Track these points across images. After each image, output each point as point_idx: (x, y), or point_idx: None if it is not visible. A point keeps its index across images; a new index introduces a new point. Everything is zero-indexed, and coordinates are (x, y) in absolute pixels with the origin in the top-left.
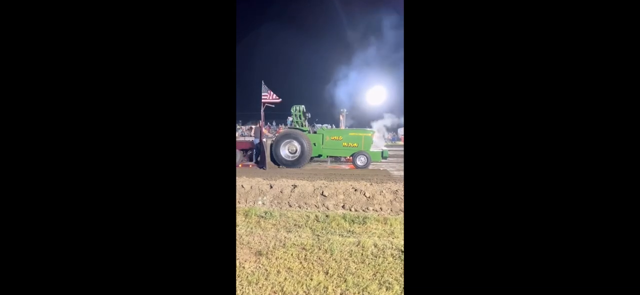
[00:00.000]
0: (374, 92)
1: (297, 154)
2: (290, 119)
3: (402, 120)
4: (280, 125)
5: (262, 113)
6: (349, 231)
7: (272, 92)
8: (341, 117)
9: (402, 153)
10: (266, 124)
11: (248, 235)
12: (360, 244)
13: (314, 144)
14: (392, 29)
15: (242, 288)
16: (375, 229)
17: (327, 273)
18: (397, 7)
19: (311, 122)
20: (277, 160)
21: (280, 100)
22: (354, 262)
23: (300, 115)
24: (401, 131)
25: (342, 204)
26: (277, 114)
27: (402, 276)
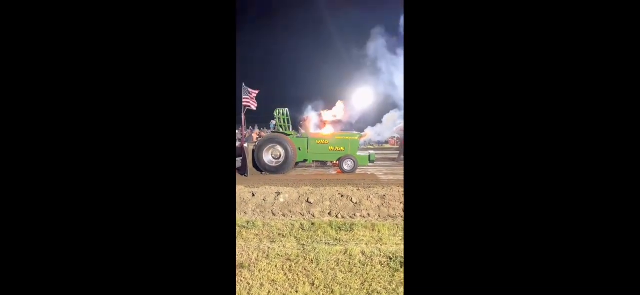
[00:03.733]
0: (360, 94)
1: (281, 159)
2: (273, 122)
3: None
4: (262, 129)
5: (243, 117)
6: (336, 239)
7: (253, 93)
8: (327, 122)
9: (390, 156)
10: (248, 128)
11: None
12: (348, 252)
13: (299, 149)
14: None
15: None
16: (362, 235)
17: (313, 284)
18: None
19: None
20: (259, 167)
21: (255, 106)
22: (341, 271)
23: (284, 119)
24: (391, 134)
25: (328, 211)
26: (260, 118)
27: (391, 284)
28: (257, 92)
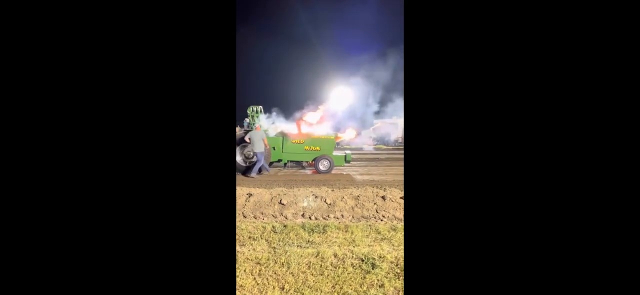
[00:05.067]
0: (338, 93)
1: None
2: (246, 120)
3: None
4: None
5: None
6: (308, 241)
7: None
8: (298, 123)
9: (366, 157)
10: None
11: None
12: (320, 254)
13: (273, 148)
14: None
15: None
16: (335, 237)
17: (283, 289)
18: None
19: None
20: None
21: None
22: (312, 274)
23: (257, 117)
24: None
25: (301, 213)
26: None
27: (362, 286)
28: None
